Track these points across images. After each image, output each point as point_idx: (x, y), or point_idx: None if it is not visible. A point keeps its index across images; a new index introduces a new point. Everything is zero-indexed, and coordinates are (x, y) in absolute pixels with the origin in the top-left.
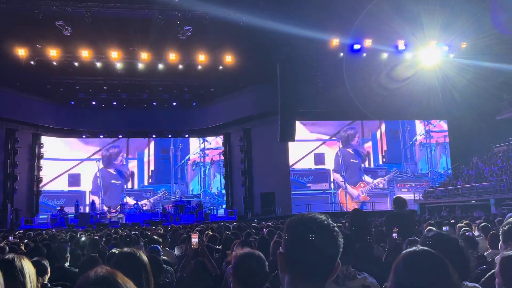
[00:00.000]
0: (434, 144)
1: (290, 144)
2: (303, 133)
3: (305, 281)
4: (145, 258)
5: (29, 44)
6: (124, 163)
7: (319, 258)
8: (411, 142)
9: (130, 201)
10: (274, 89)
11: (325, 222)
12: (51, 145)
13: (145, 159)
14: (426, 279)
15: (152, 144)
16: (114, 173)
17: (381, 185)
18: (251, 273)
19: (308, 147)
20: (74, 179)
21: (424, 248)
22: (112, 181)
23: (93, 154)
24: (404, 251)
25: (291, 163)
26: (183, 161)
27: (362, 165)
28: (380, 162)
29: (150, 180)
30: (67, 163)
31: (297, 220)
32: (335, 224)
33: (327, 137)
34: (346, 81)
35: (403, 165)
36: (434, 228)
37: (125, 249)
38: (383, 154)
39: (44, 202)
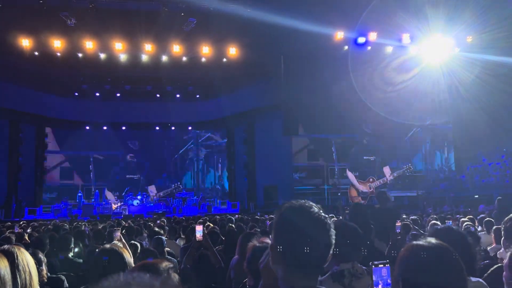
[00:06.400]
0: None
1: None
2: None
3: (298, 272)
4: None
5: (33, 35)
6: None
7: (310, 249)
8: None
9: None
10: (278, 82)
11: (316, 213)
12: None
13: None
14: (438, 273)
15: None
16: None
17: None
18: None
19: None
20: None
21: (436, 241)
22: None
23: None
24: (413, 243)
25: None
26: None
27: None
28: None
29: None
30: None
31: (287, 212)
32: (327, 216)
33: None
34: (351, 75)
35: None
36: (438, 223)
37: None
38: None
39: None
